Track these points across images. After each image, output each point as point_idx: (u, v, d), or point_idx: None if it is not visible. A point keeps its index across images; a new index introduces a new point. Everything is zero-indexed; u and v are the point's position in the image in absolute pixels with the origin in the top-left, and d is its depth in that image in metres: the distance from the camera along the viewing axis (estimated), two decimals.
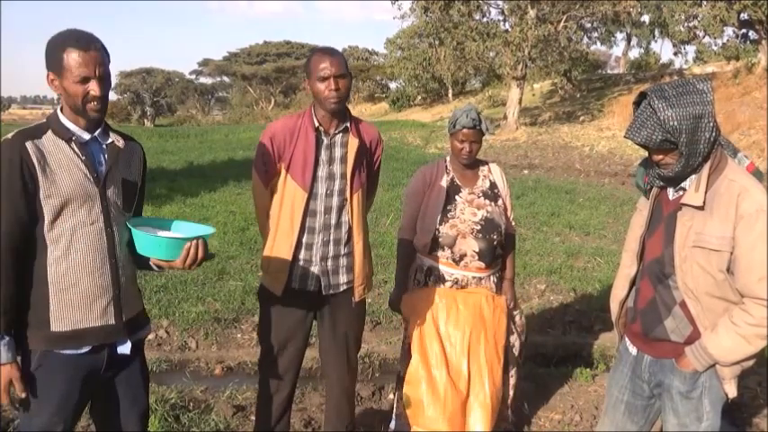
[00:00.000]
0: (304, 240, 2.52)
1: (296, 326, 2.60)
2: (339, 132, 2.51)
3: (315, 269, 2.54)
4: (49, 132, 1.88)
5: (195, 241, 1.91)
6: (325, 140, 2.50)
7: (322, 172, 2.49)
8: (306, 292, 2.56)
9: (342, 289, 2.61)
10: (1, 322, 1.79)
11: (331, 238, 2.54)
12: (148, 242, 1.89)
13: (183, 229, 2.07)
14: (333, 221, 2.53)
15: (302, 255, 2.53)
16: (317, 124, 2.48)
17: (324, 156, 2.49)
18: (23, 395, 1.87)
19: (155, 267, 2.03)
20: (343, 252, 2.57)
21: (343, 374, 2.72)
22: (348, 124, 2.52)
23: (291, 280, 2.54)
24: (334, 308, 2.62)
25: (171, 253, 1.89)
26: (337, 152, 2.51)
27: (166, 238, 1.91)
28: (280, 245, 2.51)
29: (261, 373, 2.71)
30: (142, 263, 2.05)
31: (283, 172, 2.49)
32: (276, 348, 2.61)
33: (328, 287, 2.57)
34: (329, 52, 2.43)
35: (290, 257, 2.50)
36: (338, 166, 2.51)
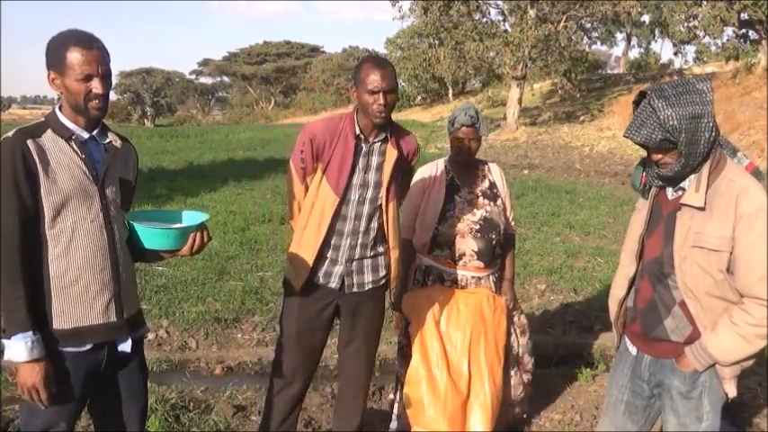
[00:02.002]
0: (332, 242, 2.53)
1: (316, 317, 2.60)
2: (378, 141, 2.51)
3: (339, 268, 2.56)
4: (49, 131, 1.89)
5: (200, 229, 2.01)
6: (364, 147, 2.49)
7: (357, 179, 2.49)
8: (327, 288, 2.58)
9: (366, 288, 2.62)
10: (25, 320, 1.79)
11: (358, 242, 2.55)
12: (156, 235, 1.95)
13: (173, 217, 2.12)
14: (362, 228, 2.54)
15: (329, 254, 2.55)
16: (358, 131, 2.47)
17: (360, 163, 2.49)
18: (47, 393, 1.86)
19: (152, 258, 2.09)
20: (369, 255, 2.59)
21: (362, 371, 2.73)
22: (388, 134, 2.52)
23: (315, 276, 2.56)
24: (357, 306, 2.63)
25: (178, 242, 1.99)
26: (374, 160, 2.51)
27: (174, 230, 1.97)
28: (306, 242, 2.53)
29: (275, 364, 2.71)
30: (141, 255, 2.07)
31: (319, 173, 2.49)
32: (295, 338, 2.61)
33: (352, 285, 2.59)
34: (382, 65, 2.41)
35: (313, 256, 2.51)
36: (373, 174, 2.52)
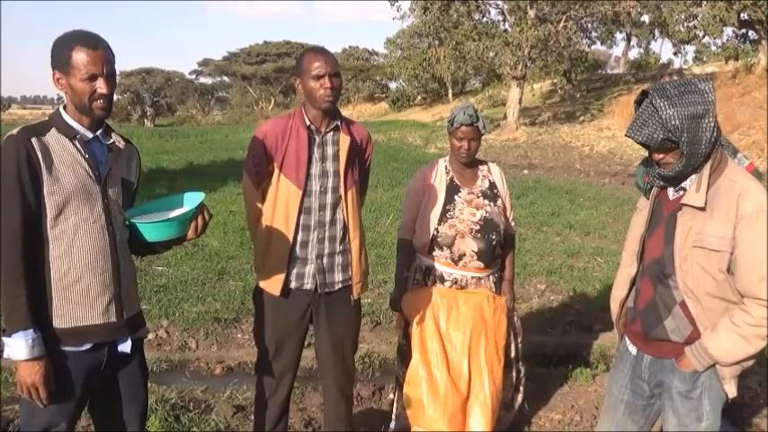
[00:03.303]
0: (299, 238, 2.53)
1: (292, 326, 2.60)
2: (330, 131, 2.53)
3: (311, 267, 2.55)
4: (53, 130, 1.89)
5: (201, 210, 2.01)
6: (317, 139, 2.52)
7: (315, 169, 2.51)
8: (302, 291, 2.56)
9: (337, 287, 2.61)
10: (26, 318, 1.80)
11: (326, 235, 2.54)
12: (159, 228, 1.95)
13: (170, 203, 2.11)
14: (327, 218, 2.54)
15: (298, 253, 2.54)
16: (308, 123, 2.50)
17: (316, 153, 2.51)
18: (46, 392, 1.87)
19: (161, 249, 2.11)
20: (338, 249, 2.58)
21: (340, 375, 2.71)
22: (339, 122, 2.55)
23: (288, 279, 2.54)
24: (330, 308, 2.62)
25: (182, 229, 1.98)
26: (329, 150, 2.53)
27: (176, 218, 1.97)
28: (276, 244, 2.52)
29: (258, 375, 2.71)
30: (150, 249, 2.08)
31: (276, 171, 2.50)
32: (273, 350, 2.60)
33: (324, 285, 2.57)
34: (322, 51, 2.47)
35: (286, 256, 2.51)
36: (331, 163, 2.53)
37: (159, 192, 9.79)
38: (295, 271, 2.55)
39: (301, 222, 2.51)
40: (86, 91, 1.85)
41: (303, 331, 2.64)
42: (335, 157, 2.53)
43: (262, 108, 48.73)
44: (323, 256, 2.55)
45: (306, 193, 2.50)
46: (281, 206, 2.50)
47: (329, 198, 2.53)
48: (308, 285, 2.56)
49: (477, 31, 20.37)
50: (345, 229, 2.57)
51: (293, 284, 2.56)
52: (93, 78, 1.85)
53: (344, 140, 2.53)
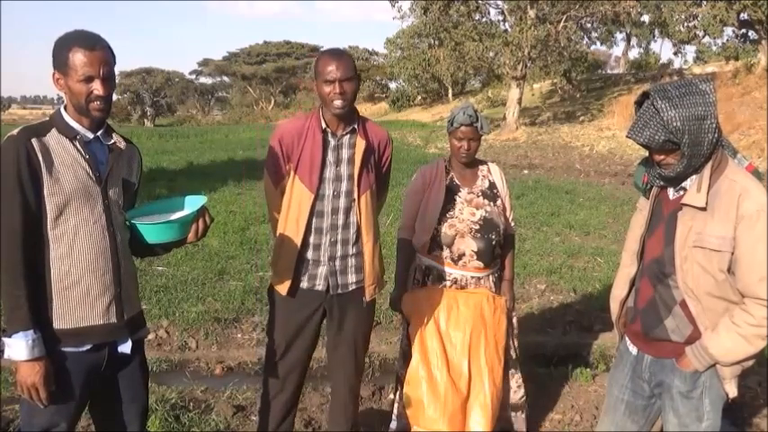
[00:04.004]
0: (312, 241, 2.52)
1: (304, 324, 2.59)
2: (347, 134, 2.51)
3: (323, 269, 2.55)
4: (54, 131, 1.89)
5: (202, 213, 2.00)
6: (333, 141, 2.50)
7: (329, 173, 2.49)
8: (313, 292, 2.56)
9: (350, 289, 2.60)
10: (26, 319, 1.80)
11: (339, 238, 2.54)
12: (159, 229, 1.94)
13: (171, 205, 2.11)
14: (340, 222, 2.53)
15: (310, 255, 2.53)
16: (324, 125, 2.48)
17: (331, 157, 2.49)
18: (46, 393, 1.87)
19: (161, 251, 2.11)
20: (351, 252, 2.57)
21: (351, 375, 2.71)
22: (356, 125, 2.52)
23: (299, 279, 2.55)
24: (343, 308, 2.61)
25: (182, 232, 1.98)
26: (344, 153, 2.51)
27: (177, 220, 1.96)
28: (287, 245, 2.52)
29: (266, 371, 2.70)
30: (146, 251, 2.08)
31: (292, 173, 2.49)
32: (284, 347, 2.61)
33: (336, 287, 2.57)
34: (337, 55, 2.43)
35: (296, 257, 2.51)
36: (345, 167, 2.51)
37: (159, 192, 9.80)
38: (307, 272, 2.55)
39: (313, 225, 2.51)
40: (83, 92, 1.85)
41: (312, 331, 2.64)
42: (350, 160, 2.51)
43: (262, 108, 48.79)
44: (335, 258, 2.55)
45: (318, 197, 2.48)
46: (293, 208, 2.50)
47: (342, 202, 2.52)
48: (320, 287, 2.56)
49: (477, 32, 20.40)
50: (359, 232, 2.56)
51: (305, 285, 2.56)
52: (89, 80, 1.84)
53: (360, 144, 2.51)
